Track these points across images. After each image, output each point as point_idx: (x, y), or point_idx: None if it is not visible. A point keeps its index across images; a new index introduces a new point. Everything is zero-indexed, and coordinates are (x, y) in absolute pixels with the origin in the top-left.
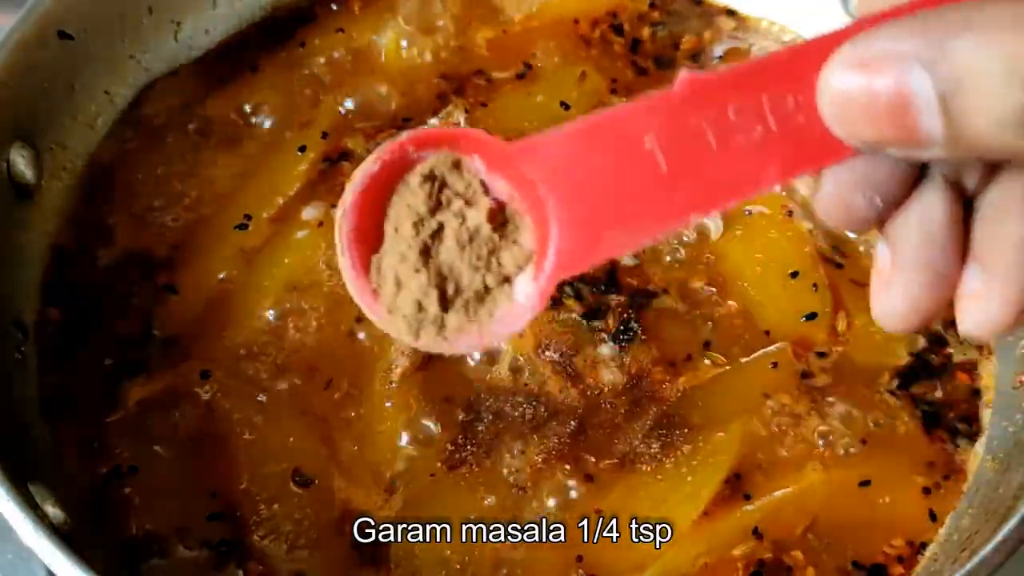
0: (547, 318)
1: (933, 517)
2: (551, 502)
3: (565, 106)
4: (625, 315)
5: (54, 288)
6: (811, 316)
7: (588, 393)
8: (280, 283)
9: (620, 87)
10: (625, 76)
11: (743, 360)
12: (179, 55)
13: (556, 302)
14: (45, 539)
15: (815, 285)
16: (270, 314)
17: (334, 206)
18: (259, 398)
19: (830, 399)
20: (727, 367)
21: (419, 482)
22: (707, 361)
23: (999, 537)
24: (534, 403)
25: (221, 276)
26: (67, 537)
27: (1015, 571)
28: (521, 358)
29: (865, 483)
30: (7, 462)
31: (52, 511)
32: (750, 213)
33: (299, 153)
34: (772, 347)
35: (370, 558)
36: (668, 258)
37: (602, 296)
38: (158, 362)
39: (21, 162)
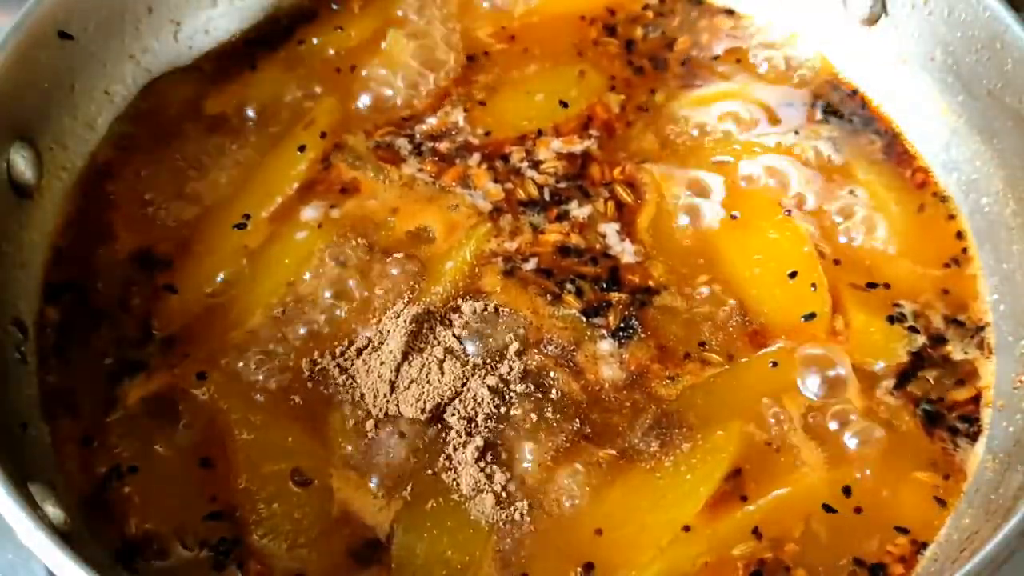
0: (548, 313)
1: (934, 515)
2: (557, 499)
3: (564, 104)
4: (626, 312)
5: (54, 288)
6: (810, 316)
7: (589, 388)
8: (279, 284)
9: (619, 84)
10: (623, 74)
11: (743, 360)
12: (179, 55)
13: (556, 297)
14: (45, 539)
15: (814, 285)
16: (269, 315)
17: (333, 206)
18: (257, 398)
19: (830, 399)
20: (725, 366)
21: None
22: (705, 360)
23: (999, 537)
24: (539, 396)
25: (221, 277)
26: (67, 537)
27: (1015, 571)
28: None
29: (865, 482)
30: (7, 462)
31: (52, 511)
32: (737, 216)
33: (299, 152)
34: (772, 347)
35: (370, 558)
36: (669, 256)
37: (603, 293)
38: (158, 362)
39: (21, 162)
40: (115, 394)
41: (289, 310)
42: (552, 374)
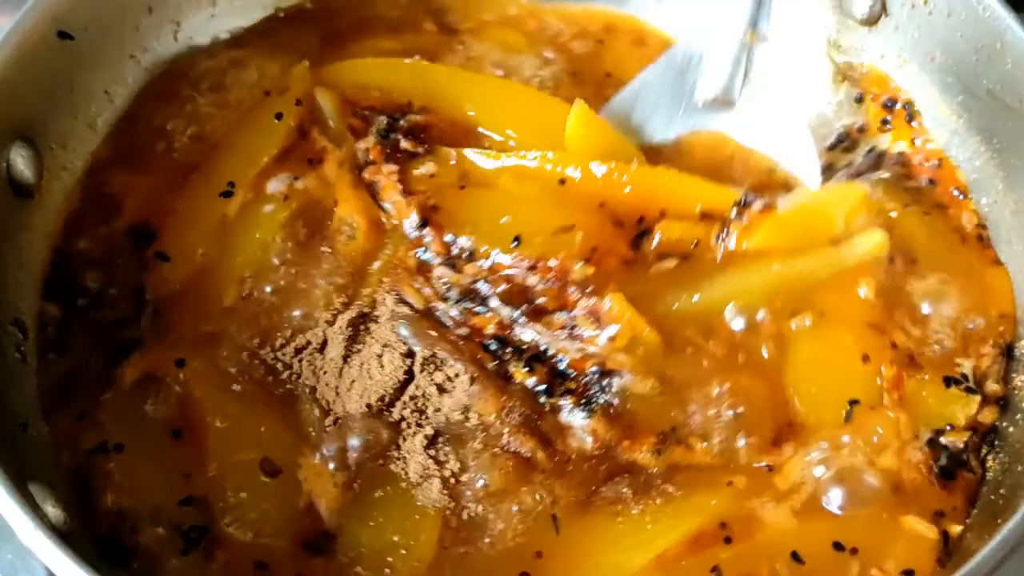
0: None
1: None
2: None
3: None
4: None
5: (54, 287)
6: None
7: (556, 458)
8: (251, 258)
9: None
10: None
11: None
12: (179, 55)
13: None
14: (45, 539)
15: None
16: (241, 294)
17: (297, 178)
18: (233, 387)
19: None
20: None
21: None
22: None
23: (999, 537)
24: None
25: (202, 251)
26: (67, 537)
27: (1015, 571)
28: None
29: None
30: (7, 462)
31: (52, 511)
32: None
33: (276, 120)
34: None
35: (322, 547)
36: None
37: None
38: (150, 339)
39: (21, 162)
40: (111, 375)
41: (257, 292)
42: (518, 439)
